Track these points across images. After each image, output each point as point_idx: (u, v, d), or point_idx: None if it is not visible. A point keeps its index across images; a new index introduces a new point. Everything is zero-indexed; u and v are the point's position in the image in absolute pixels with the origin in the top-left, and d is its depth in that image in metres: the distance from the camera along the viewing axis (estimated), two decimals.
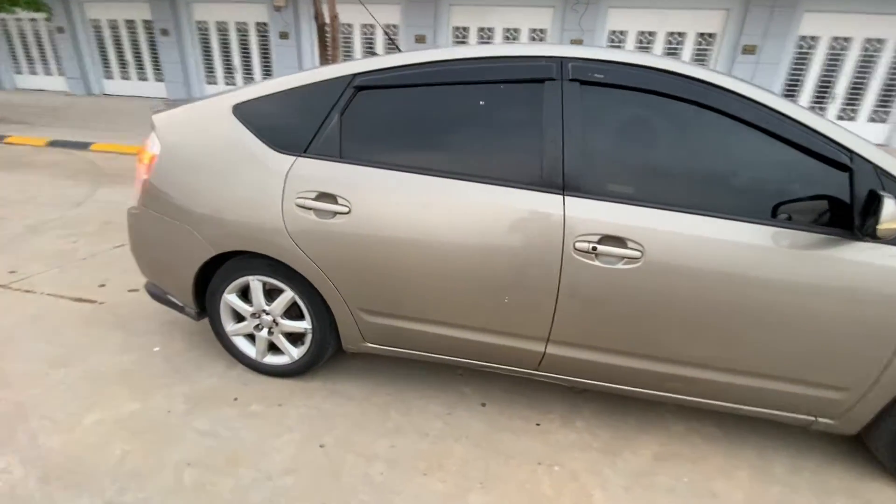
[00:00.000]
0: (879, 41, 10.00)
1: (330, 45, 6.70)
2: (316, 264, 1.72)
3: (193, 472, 1.53)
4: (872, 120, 10.55)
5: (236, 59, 12.66)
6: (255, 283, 1.87)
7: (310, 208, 1.67)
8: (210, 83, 12.92)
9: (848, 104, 10.61)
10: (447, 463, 1.63)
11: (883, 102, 10.27)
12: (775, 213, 1.46)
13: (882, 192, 1.28)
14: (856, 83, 10.38)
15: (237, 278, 1.88)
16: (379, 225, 1.63)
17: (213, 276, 1.92)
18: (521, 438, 1.76)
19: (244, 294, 1.95)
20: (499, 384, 2.05)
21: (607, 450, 1.73)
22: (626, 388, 1.71)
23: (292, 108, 1.75)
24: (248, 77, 12.55)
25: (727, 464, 1.70)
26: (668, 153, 1.54)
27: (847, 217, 1.39)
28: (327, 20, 6.62)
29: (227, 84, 12.86)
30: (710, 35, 10.50)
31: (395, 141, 1.68)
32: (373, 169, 1.65)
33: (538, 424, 1.84)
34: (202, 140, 1.81)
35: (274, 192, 1.70)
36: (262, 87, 1.80)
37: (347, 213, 1.64)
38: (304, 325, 1.90)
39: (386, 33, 2.67)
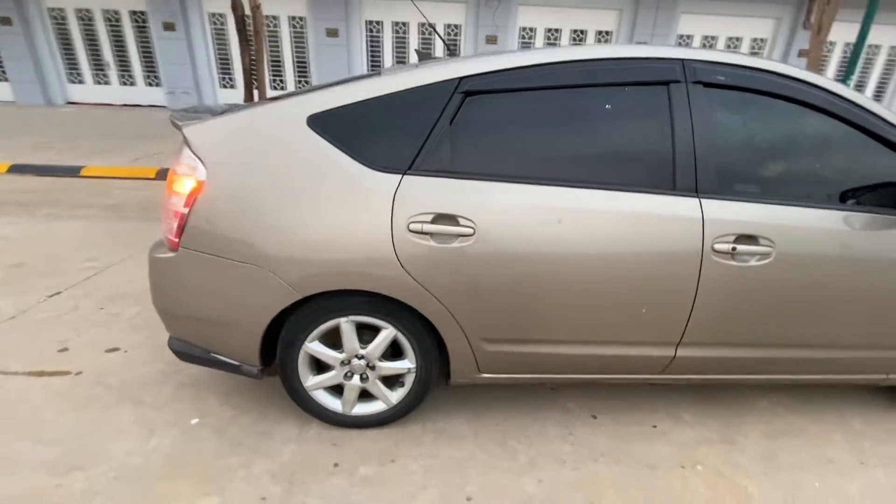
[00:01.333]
0: (738, 39, 11.77)
1: (253, 39, 6.00)
2: (433, 295, 1.50)
3: None
4: None
5: (108, 54, 10.81)
6: (347, 326, 1.58)
7: (427, 233, 1.44)
8: (75, 82, 10.88)
9: None
10: (601, 487, 1.55)
11: None
12: (868, 200, 1.60)
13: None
14: None
15: (324, 322, 1.57)
16: (508, 244, 1.46)
17: (283, 323, 1.58)
18: (649, 444, 1.74)
19: (326, 340, 1.64)
20: (594, 393, 2.00)
21: (725, 439, 1.79)
22: (741, 377, 1.78)
23: (388, 118, 1.48)
24: (126, 74, 10.82)
25: (821, 430, 1.87)
26: (783, 151, 1.61)
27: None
28: (247, 11, 5.91)
29: (99, 84, 10.94)
30: (608, 32, 11.47)
31: (513, 150, 1.52)
32: (496, 183, 1.47)
33: (654, 427, 1.84)
34: (271, 160, 1.46)
35: (380, 217, 1.44)
36: (343, 94, 1.50)
37: (472, 234, 1.45)
38: (406, 364, 1.66)
39: (440, 37, 2.43)
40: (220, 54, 11.08)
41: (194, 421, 1.76)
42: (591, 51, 1.54)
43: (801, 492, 1.57)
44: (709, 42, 11.73)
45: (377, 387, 1.69)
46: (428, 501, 1.46)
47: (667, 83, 1.52)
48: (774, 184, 1.58)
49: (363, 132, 1.48)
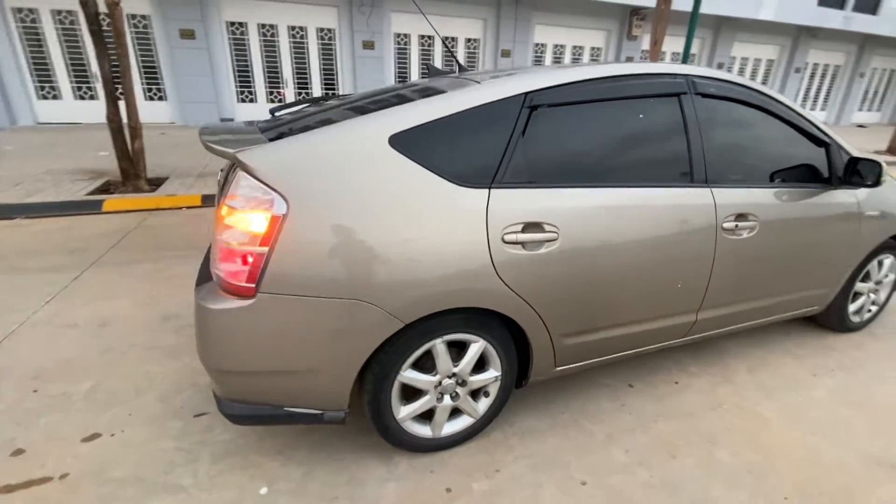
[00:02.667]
0: (581, 48, 13.60)
1: (115, 42, 5.05)
2: (525, 300, 1.56)
3: None
4: None
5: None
6: (442, 346, 1.54)
7: (518, 242, 1.50)
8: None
9: None
10: (671, 441, 1.79)
11: None
12: (804, 178, 2.13)
13: (857, 157, 2.09)
14: None
15: (419, 347, 1.50)
16: (584, 243, 1.60)
17: (371, 357, 1.48)
18: (681, 397, 2.05)
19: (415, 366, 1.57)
20: (620, 366, 2.26)
21: (727, 380, 2.20)
22: (727, 328, 2.19)
23: (466, 134, 1.49)
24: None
25: (776, 358, 2.41)
26: (752, 145, 2.03)
27: (830, 175, 2.16)
28: (103, 8, 4.95)
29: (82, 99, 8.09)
30: (475, 40, 12.31)
31: (574, 157, 1.65)
32: (567, 189, 1.59)
33: (677, 383, 2.16)
34: (356, 184, 1.35)
35: (477, 232, 1.45)
36: (420, 113, 1.45)
37: (556, 238, 1.55)
38: (492, 373, 1.68)
39: (453, 55, 2.39)
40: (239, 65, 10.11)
41: (263, 490, 1.52)
42: (620, 68, 1.75)
43: (792, 406, 2.03)
44: (559, 50, 13.37)
45: (467, 402, 1.68)
46: (552, 496, 1.53)
47: (679, 95, 1.82)
48: (749, 171, 2.00)
49: (445, 149, 1.46)
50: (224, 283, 1.33)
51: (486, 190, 1.47)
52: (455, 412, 1.71)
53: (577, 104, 1.65)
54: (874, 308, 2.71)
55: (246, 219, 1.30)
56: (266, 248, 1.28)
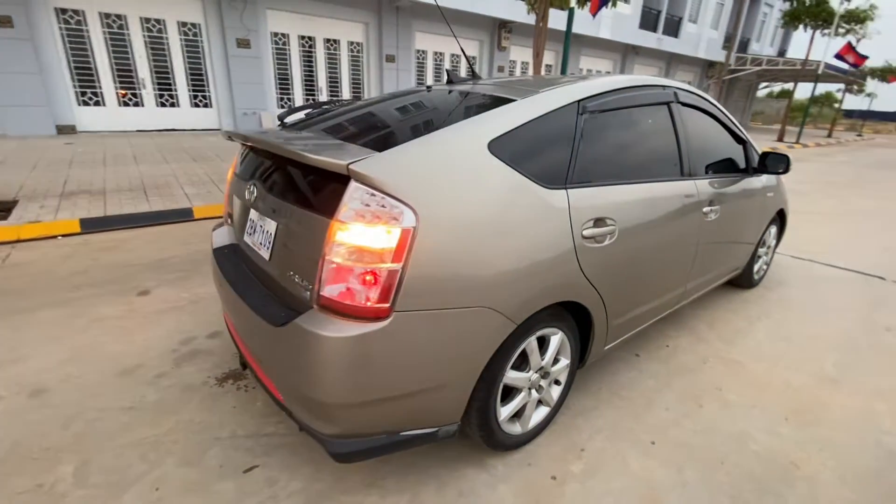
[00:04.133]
0: (459, 56, 14.33)
1: None
2: (596, 289, 1.71)
3: None
4: None
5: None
6: (534, 343, 1.60)
7: (591, 236, 1.64)
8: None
9: None
10: (692, 393, 2.11)
11: None
12: (731, 169, 2.67)
13: (767, 151, 2.71)
14: None
15: (519, 347, 1.53)
16: (631, 233, 1.81)
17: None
18: (677, 358, 2.42)
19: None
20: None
21: (700, 339, 2.64)
22: (698, 294, 2.64)
23: (542, 139, 1.56)
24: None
25: (725, 316, 2.96)
26: (708, 144, 2.46)
27: (746, 165, 2.76)
28: None
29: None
30: (359, 44, 12.17)
31: (614, 157, 1.84)
32: (614, 186, 1.78)
33: (667, 346, 2.53)
34: (467, 191, 1.32)
35: (564, 231, 1.54)
36: (507, 119, 1.49)
37: (615, 230, 1.73)
38: (565, 362, 1.78)
39: (469, 63, 2.31)
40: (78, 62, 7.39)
41: None
42: (630, 79, 1.99)
43: (751, 349, 2.54)
44: (438, 57, 13.91)
45: (548, 392, 1.76)
46: (637, 460, 1.70)
47: (669, 103, 2.14)
48: (709, 166, 2.45)
49: (529, 153, 1.52)
50: (347, 307, 1.20)
51: (564, 190, 1.58)
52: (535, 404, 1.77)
53: (612, 111, 1.84)
54: (765, 267, 3.50)
55: (373, 235, 1.19)
56: (399, 264, 1.20)
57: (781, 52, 27.16)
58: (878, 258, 4.21)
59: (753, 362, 2.41)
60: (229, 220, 1.97)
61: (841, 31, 17.80)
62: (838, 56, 17.11)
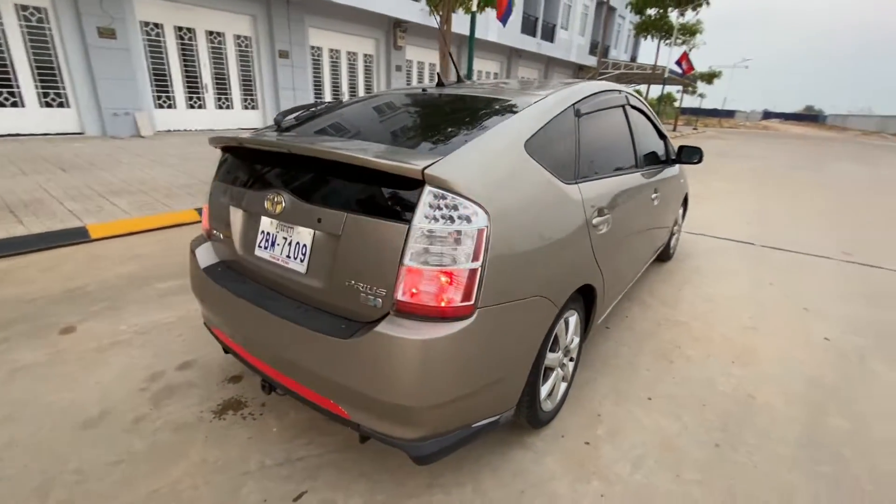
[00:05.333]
0: (355, 54, 14.07)
1: None
2: (601, 272, 1.92)
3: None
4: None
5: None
6: (562, 325, 1.75)
7: (596, 225, 1.84)
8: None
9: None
10: (666, 353, 2.46)
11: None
12: (658, 161, 3.13)
13: (683, 145, 3.23)
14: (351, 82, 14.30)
15: (554, 330, 1.67)
16: (618, 219, 2.06)
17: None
18: (639, 325, 2.77)
19: None
20: None
21: (648, 302, 3.06)
22: (645, 267, 3.06)
23: (555, 138, 1.70)
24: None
25: (658, 284, 3.45)
26: (645, 141, 2.85)
27: (667, 157, 3.26)
28: None
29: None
30: (246, 38, 11.28)
31: (599, 154, 2.06)
32: (603, 179, 2.00)
33: (626, 316, 2.89)
34: (515, 188, 1.41)
35: (582, 221, 1.71)
36: (534, 121, 1.60)
37: (610, 218, 1.96)
38: (576, 339, 1.97)
39: (455, 67, 2.23)
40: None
41: None
42: (597, 85, 2.24)
43: (687, 309, 3.02)
44: (334, 54, 13.49)
45: (568, 369, 1.93)
46: (647, 416, 1.95)
47: (624, 106, 2.45)
48: (647, 159, 2.84)
49: (548, 152, 1.66)
50: (431, 309, 1.22)
51: (577, 184, 1.75)
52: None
53: (594, 112, 2.07)
54: (676, 243, 4.14)
55: (451, 236, 1.22)
56: (478, 263, 1.25)
57: (633, 58, 31.45)
58: (745, 229, 5.22)
59: (693, 321, 2.88)
60: (219, 236, 1.78)
61: (678, 41, 21.26)
62: (678, 63, 20.42)
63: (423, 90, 2.11)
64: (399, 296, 1.23)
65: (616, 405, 2.03)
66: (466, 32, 14.99)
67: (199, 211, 4.76)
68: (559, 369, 1.84)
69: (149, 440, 1.73)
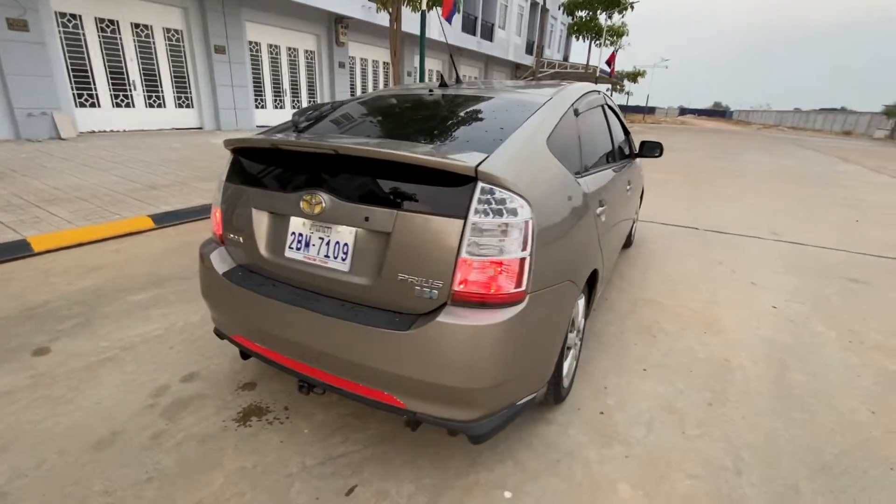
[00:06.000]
0: (295, 49, 13.63)
1: None
2: (602, 257, 2.10)
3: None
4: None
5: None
6: (577, 306, 1.90)
7: (598, 214, 2.01)
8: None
9: (294, 96, 14.00)
10: (648, 327, 2.71)
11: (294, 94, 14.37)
12: (624, 156, 3.41)
13: (645, 140, 3.53)
14: (293, 81, 13.81)
15: (572, 311, 1.82)
16: (609, 209, 2.26)
17: None
18: (619, 304, 3.03)
19: None
20: None
21: (620, 286, 3.33)
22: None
23: (564, 135, 1.85)
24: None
25: (628, 267, 3.74)
26: (617, 137, 3.09)
27: (630, 151, 3.55)
28: None
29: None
30: (178, 31, 10.58)
31: (592, 150, 2.24)
32: (599, 173, 2.19)
33: (606, 299, 3.13)
34: (543, 181, 1.54)
35: (590, 211, 1.88)
36: (550, 119, 1.73)
37: (606, 208, 2.14)
38: (583, 320, 2.14)
39: (456, 70, 2.24)
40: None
41: (507, 494, 1.53)
42: (584, 86, 2.42)
43: (655, 287, 3.33)
44: (274, 50, 12.96)
45: (578, 347, 2.09)
46: (646, 383, 2.16)
47: (603, 105, 2.66)
48: (620, 154, 3.10)
49: (562, 148, 1.80)
50: (487, 297, 1.31)
51: (583, 178, 1.91)
52: None
53: (586, 112, 2.25)
54: (635, 230, 4.50)
55: (502, 227, 1.32)
56: (527, 252, 1.35)
57: (566, 58, 32.98)
58: (685, 215, 5.75)
59: (663, 299, 3.19)
60: (237, 239, 1.75)
61: (607, 42, 22.64)
62: (608, 63, 21.76)
63: (430, 91, 2.18)
64: (456, 286, 1.31)
65: (618, 377, 2.23)
66: (410, 30, 15.02)
67: (154, 218, 4.46)
68: (574, 348, 2.00)
69: (175, 454, 1.67)
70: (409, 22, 14.60)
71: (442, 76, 2.32)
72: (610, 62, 21.76)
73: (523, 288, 1.35)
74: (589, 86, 2.45)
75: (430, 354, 1.32)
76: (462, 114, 1.86)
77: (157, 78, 10.37)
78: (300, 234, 1.57)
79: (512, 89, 2.13)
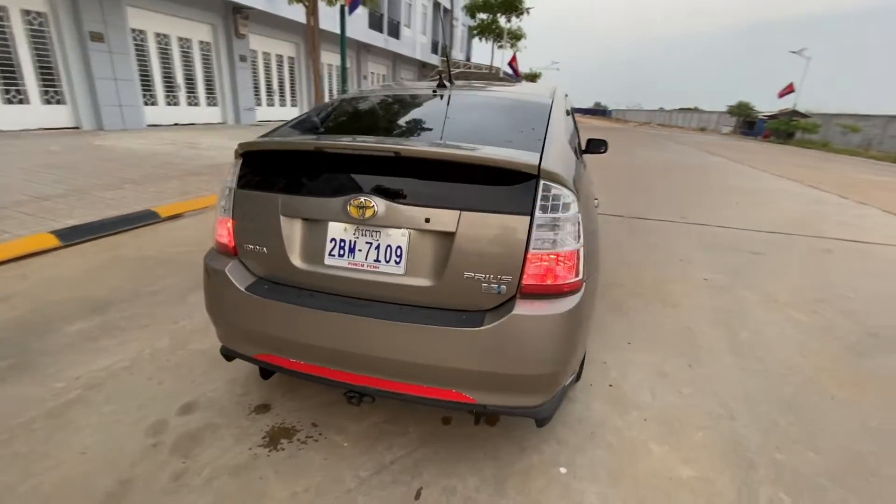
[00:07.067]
0: (188, 40, 12.39)
1: None
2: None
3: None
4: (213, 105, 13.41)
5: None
6: None
7: (596, 207, 2.21)
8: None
9: (189, 92, 12.73)
10: (633, 307, 3.01)
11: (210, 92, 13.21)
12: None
13: (591, 138, 3.88)
14: (188, 75, 12.54)
15: None
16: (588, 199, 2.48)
17: None
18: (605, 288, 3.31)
19: None
20: None
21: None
22: None
23: (570, 135, 2.00)
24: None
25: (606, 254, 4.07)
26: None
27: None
28: None
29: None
30: (41, 14, 9.04)
31: (576, 148, 2.43)
32: (585, 171, 2.39)
33: None
34: (581, 182, 1.68)
35: (591, 204, 2.05)
36: (562, 119, 1.86)
37: (599, 203, 2.35)
38: None
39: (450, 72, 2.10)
40: None
41: (562, 470, 1.64)
42: (559, 86, 2.61)
43: (624, 273, 3.69)
44: (163, 39, 11.65)
45: None
46: (640, 358, 2.42)
47: (571, 112, 2.88)
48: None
49: (572, 146, 1.95)
50: (554, 288, 1.40)
51: (587, 173, 2.09)
52: None
53: (569, 112, 2.43)
54: None
55: (561, 222, 1.41)
56: (580, 243, 1.47)
57: (468, 58, 34.10)
58: (610, 205, 6.39)
59: (621, 280, 3.54)
60: (261, 250, 1.62)
61: (507, 44, 23.90)
62: (510, 64, 22.98)
63: (434, 91, 2.19)
64: (525, 280, 1.38)
65: (612, 353, 2.46)
66: (311, 24, 14.41)
67: (59, 234, 3.80)
68: None
69: (210, 493, 1.51)
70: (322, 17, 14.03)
71: (441, 76, 2.33)
72: (512, 64, 22.99)
73: (580, 277, 1.46)
74: (558, 85, 2.65)
75: (505, 347, 1.37)
76: (487, 114, 1.91)
77: (17, 69, 8.69)
78: (342, 241, 1.51)
79: (508, 90, 2.23)
